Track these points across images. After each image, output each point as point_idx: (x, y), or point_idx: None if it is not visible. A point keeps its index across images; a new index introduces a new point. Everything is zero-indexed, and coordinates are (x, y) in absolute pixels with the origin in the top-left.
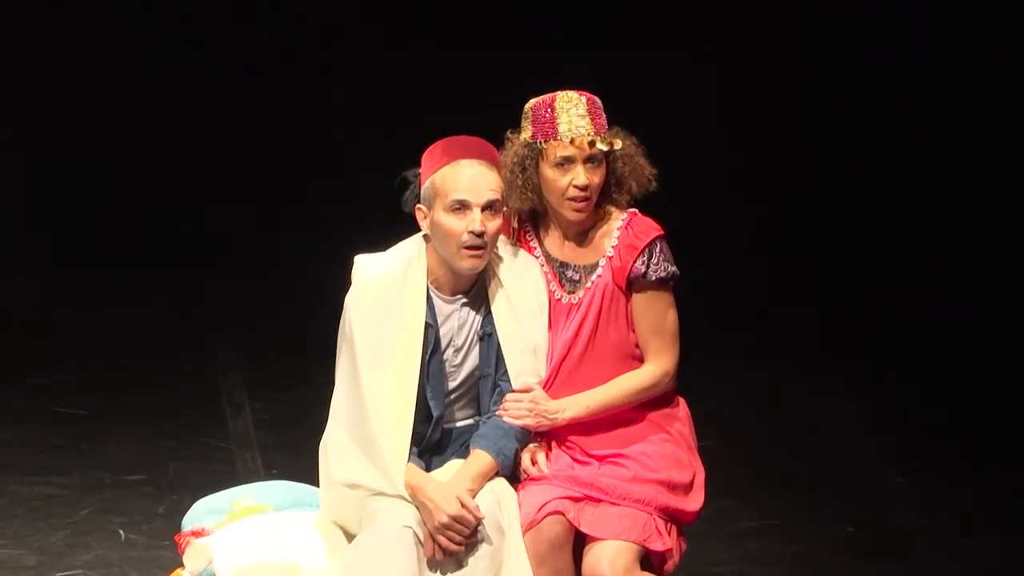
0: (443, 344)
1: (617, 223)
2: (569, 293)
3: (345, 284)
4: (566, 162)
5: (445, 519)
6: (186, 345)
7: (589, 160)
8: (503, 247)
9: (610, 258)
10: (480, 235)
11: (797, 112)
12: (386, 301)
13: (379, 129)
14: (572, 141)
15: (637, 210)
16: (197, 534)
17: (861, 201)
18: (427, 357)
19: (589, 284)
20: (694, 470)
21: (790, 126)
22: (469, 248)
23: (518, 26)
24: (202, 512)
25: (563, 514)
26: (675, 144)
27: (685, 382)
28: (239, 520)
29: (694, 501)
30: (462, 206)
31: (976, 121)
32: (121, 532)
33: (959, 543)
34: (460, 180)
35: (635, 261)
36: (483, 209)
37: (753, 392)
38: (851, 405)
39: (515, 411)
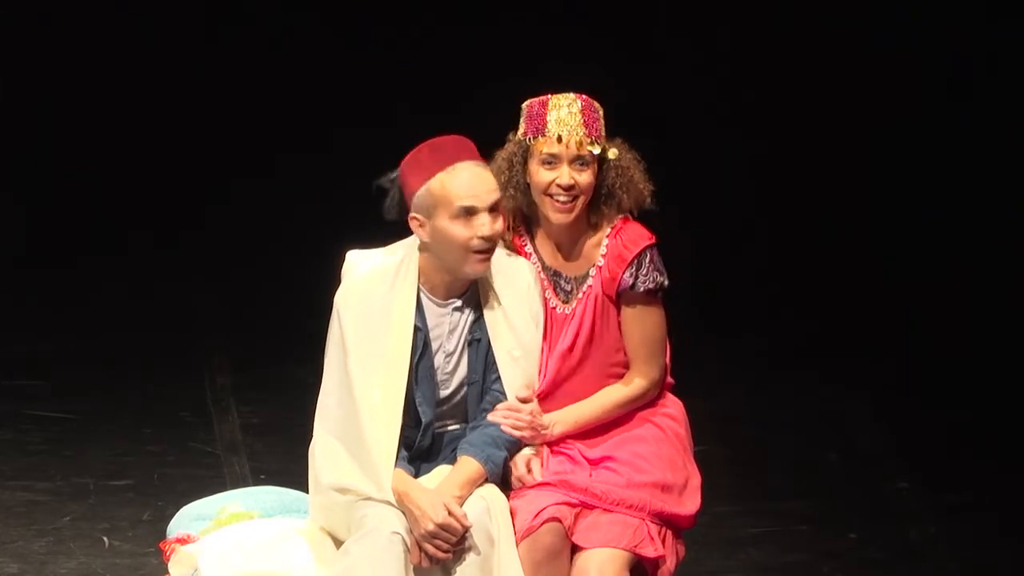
0: (433, 348)
1: (606, 231)
2: (563, 303)
3: (335, 284)
4: (552, 159)
5: (432, 527)
6: (171, 348)
7: (576, 160)
8: (496, 252)
9: (599, 268)
10: (490, 239)
11: (797, 112)
12: (375, 302)
13: (361, 129)
14: (559, 139)
15: (629, 215)
16: (183, 541)
17: (862, 202)
18: (416, 361)
19: (580, 295)
20: (688, 472)
21: (790, 125)
22: (479, 253)
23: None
24: (188, 518)
25: (560, 521)
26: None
27: (684, 387)
28: (226, 527)
29: (690, 504)
30: (469, 212)
31: (989, 115)
32: (105, 539)
33: (967, 552)
34: (463, 186)
35: (624, 272)
36: (489, 211)
37: (753, 396)
38: (855, 409)
39: (513, 422)
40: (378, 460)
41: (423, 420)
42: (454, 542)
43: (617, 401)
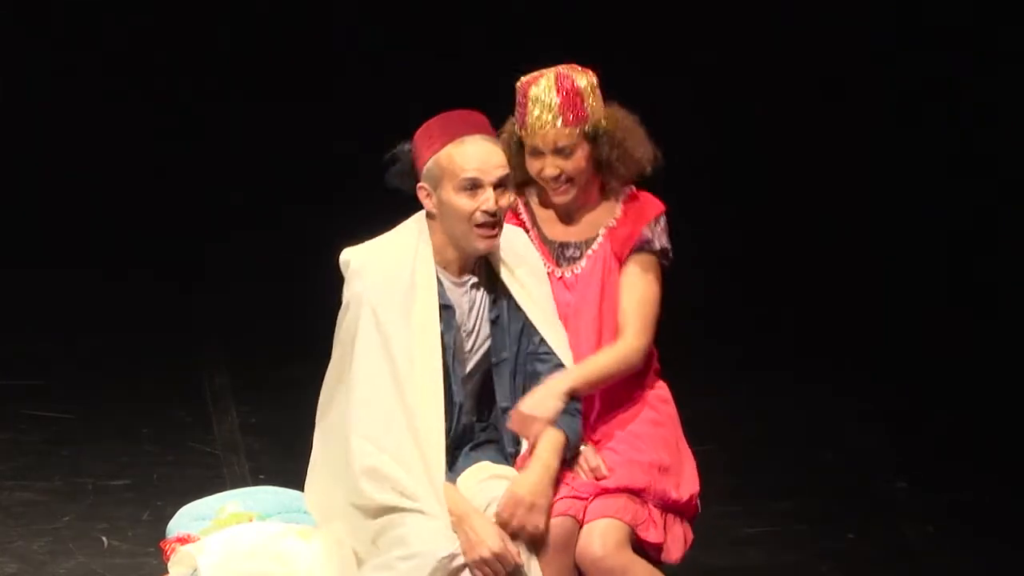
0: (457, 325)
1: (621, 196)
2: (570, 269)
3: (332, 283)
4: (535, 152)
5: (488, 554)
6: (170, 347)
7: (557, 152)
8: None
9: (611, 228)
10: (493, 214)
11: (798, 112)
12: (400, 293)
13: (363, 140)
14: (536, 134)
15: (634, 188)
16: (183, 540)
17: (862, 202)
18: (450, 342)
19: (590, 252)
20: (683, 453)
21: (790, 125)
22: (481, 227)
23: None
24: (187, 518)
25: (572, 516)
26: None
27: (684, 387)
28: (226, 527)
29: (688, 487)
30: (474, 185)
31: (988, 115)
32: (104, 539)
33: (965, 552)
34: (469, 159)
35: (644, 227)
36: (495, 187)
37: (752, 398)
38: (853, 409)
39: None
40: (431, 472)
41: (456, 400)
42: (504, 574)
43: (612, 365)
